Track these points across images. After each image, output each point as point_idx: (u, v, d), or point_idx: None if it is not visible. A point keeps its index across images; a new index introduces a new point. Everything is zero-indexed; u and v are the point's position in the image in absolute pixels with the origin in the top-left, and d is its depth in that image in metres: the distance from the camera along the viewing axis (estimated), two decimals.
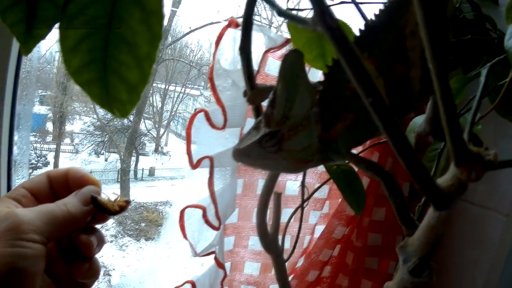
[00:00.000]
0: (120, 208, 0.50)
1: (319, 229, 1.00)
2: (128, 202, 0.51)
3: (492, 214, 0.93)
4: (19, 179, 0.92)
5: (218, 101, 0.77)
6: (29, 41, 0.33)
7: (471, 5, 0.84)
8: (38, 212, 0.44)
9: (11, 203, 0.45)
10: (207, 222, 0.79)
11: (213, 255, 0.84)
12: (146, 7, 0.31)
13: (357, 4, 0.68)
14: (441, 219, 0.38)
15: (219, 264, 0.85)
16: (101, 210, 0.49)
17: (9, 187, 0.86)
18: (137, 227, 6.15)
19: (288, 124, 0.40)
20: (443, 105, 0.29)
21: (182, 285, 0.84)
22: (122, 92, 0.33)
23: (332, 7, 0.30)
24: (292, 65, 0.37)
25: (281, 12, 0.32)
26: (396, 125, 0.28)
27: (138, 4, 0.31)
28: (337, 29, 0.27)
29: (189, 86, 8.16)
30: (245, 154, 0.40)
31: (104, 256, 5.33)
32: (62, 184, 0.51)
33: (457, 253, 1.01)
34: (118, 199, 0.51)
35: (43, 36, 0.34)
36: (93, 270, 0.49)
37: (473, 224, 0.97)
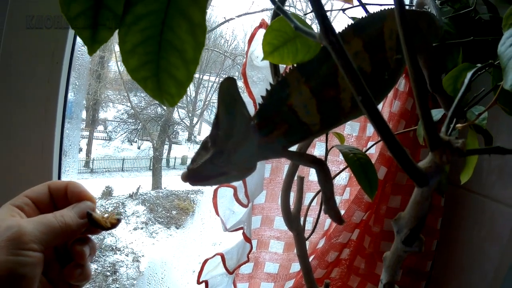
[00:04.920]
0: (111, 225, 0.57)
1: None
2: (118, 220, 0.58)
3: (504, 208, 0.97)
4: (69, 160, 1.01)
5: (250, 93, 0.86)
6: (94, 44, 0.40)
7: (488, 7, 0.88)
8: (38, 223, 0.49)
9: (14, 211, 0.52)
10: (237, 200, 0.88)
11: (241, 231, 0.92)
12: (193, 20, 0.39)
13: (364, 6, 0.76)
14: (424, 196, 0.46)
15: (247, 239, 0.93)
16: (94, 225, 0.56)
17: (59, 173, 0.95)
18: (168, 214, 6.19)
19: (233, 141, 0.48)
20: (418, 101, 0.37)
21: (213, 257, 0.93)
22: (171, 87, 0.41)
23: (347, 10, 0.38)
24: (229, 90, 0.45)
25: (297, 28, 0.41)
26: (379, 116, 0.37)
27: (186, 18, 0.39)
28: (337, 43, 0.36)
29: (223, 76, 8.22)
30: (199, 173, 0.48)
31: (133, 242, 5.38)
32: (61, 196, 0.57)
33: (469, 245, 1.06)
34: (111, 216, 0.58)
35: (105, 40, 0.41)
36: (84, 275, 0.56)
37: (485, 217, 1.02)
